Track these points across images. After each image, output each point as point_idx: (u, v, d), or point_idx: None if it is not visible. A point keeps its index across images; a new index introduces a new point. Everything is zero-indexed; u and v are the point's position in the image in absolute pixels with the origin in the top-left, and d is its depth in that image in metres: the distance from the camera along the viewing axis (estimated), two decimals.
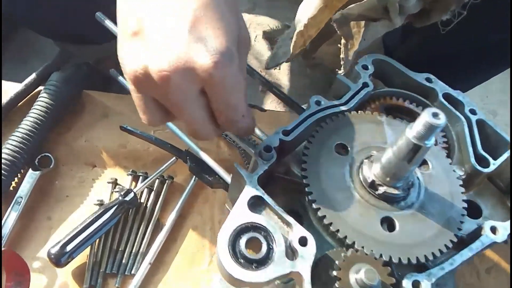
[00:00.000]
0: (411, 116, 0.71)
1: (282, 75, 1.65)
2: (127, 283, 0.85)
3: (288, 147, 0.63)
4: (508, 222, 0.58)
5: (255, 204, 0.56)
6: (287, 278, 0.52)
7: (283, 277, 0.50)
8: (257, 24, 1.73)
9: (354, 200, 0.56)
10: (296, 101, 0.85)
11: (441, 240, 0.54)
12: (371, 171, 0.56)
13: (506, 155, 0.65)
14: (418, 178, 0.58)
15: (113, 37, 1.13)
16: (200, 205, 0.97)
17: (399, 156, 0.51)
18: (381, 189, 0.55)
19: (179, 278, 0.88)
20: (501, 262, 0.98)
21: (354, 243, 0.52)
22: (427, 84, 0.71)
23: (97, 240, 0.87)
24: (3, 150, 0.86)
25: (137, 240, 0.90)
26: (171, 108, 0.54)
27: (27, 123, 0.89)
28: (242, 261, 0.51)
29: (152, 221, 0.92)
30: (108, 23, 0.79)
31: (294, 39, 1.01)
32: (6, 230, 0.85)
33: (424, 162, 0.59)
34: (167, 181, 0.96)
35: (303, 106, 0.96)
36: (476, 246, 0.56)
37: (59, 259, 0.80)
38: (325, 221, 0.53)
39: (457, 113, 0.68)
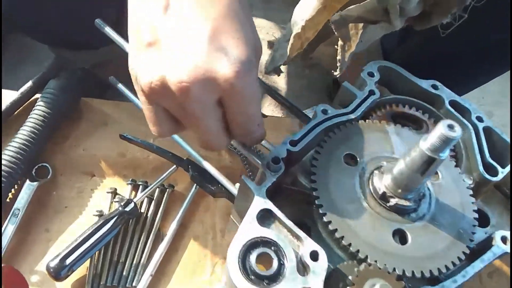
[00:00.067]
0: (417, 124, 0.70)
1: (279, 78, 1.64)
2: None
3: (296, 157, 0.62)
4: None
5: (264, 217, 0.55)
6: None
7: None
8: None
9: (365, 212, 0.55)
10: (298, 107, 0.84)
11: (453, 252, 0.53)
12: (382, 183, 0.55)
13: None
14: (428, 189, 0.57)
15: (109, 42, 1.11)
16: (201, 214, 0.95)
17: (412, 168, 0.50)
18: (393, 201, 0.54)
19: None
20: (502, 267, 0.98)
21: (366, 257, 0.51)
22: (433, 91, 0.70)
23: (97, 252, 0.85)
24: None
25: (137, 251, 0.88)
26: (186, 119, 0.53)
27: (24, 133, 0.87)
28: (252, 277, 0.50)
29: (152, 232, 0.90)
30: (108, 30, 0.77)
31: (291, 41, 1.00)
32: (3, 244, 0.83)
33: (434, 172, 0.58)
34: (167, 190, 0.94)
35: (305, 112, 0.95)
36: (488, 257, 0.55)
37: (59, 272, 0.79)
38: (337, 235, 0.52)
39: (464, 120, 0.68)
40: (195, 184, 0.95)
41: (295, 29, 0.95)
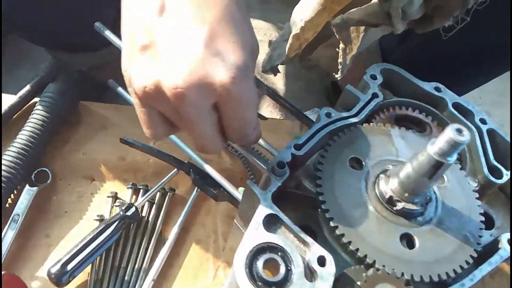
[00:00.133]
0: (421, 126, 0.70)
1: (277, 79, 1.64)
2: None
3: (300, 161, 0.62)
4: None
5: (270, 222, 0.54)
6: None
7: None
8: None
9: (372, 216, 0.54)
10: (299, 109, 0.84)
11: (461, 255, 0.53)
12: (388, 186, 0.54)
13: None
14: (434, 193, 0.56)
15: (106, 45, 1.11)
16: (202, 217, 0.95)
17: (419, 172, 0.50)
18: (400, 205, 0.53)
19: None
20: (504, 267, 0.98)
21: (374, 262, 0.51)
22: (436, 93, 0.70)
23: (98, 257, 0.85)
24: None
25: (139, 256, 0.87)
26: (180, 123, 0.53)
27: (22, 137, 0.86)
28: (260, 283, 0.49)
29: (154, 236, 0.89)
30: (108, 33, 0.76)
31: (289, 41, 0.99)
32: (3, 250, 0.82)
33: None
34: (168, 193, 0.93)
35: (306, 113, 0.95)
36: (495, 260, 0.55)
37: (60, 278, 0.78)
38: (344, 240, 0.52)
39: (468, 123, 0.67)
40: (196, 188, 0.94)
41: (294, 30, 0.95)
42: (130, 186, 0.93)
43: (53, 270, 0.78)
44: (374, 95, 0.68)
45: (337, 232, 0.52)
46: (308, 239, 0.52)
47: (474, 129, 0.67)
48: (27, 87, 0.94)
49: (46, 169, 0.90)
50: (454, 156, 0.47)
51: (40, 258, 0.86)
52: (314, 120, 0.81)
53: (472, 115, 0.69)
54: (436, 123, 0.69)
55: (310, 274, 0.51)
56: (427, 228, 0.54)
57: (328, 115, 0.65)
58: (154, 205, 0.92)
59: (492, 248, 0.58)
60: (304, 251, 0.53)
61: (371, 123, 0.65)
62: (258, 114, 1.07)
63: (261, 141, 0.74)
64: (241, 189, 0.73)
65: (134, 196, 0.94)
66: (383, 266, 0.50)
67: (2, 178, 0.82)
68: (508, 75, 1.18)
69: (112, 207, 0.91)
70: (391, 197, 0.54)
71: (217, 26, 0.48)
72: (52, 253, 0.87)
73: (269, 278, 0.49)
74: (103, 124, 0.98)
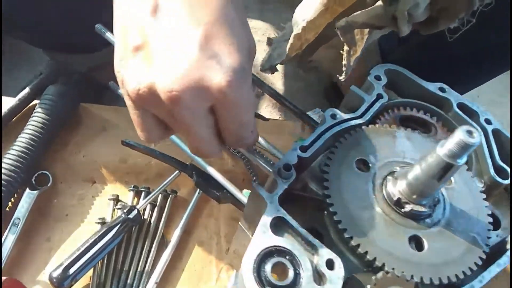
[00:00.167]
0: (425, 127, 0.69)
1: (276, 79, 1.64)
2: None
3: (306, 163, 0.61)
4: None
5: (277, 225, 0.54)
6: None
7: None
8: (251, 28, 1.71)
9: (380, 218, 0.54)
10: (303, 110, 0.83)
11: (470, 257, 0.52)
12: (396, 188, 0.54)
13: None
14: (442, 194, 0.56)
15: (105, 46, 1.09)
16: (205, 219, 0.94)
17: (428, 173, 0.49)
18: (408, 207, 0.53)
19: None
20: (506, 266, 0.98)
21: (384, 264, 0.50)
22: (441, 94, 0.70)
23: (100, 261, 0.84)
24: None
25: (141, 259, 0.87)
26: (175, 126, 0.51)
27: (22, 140, 0.85)
28: None
29: (156, 238, 0.89)
30: (108, 35, 0.76)
31: (290, 41, 0.99)
32: (4, 254, 0.81)
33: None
34: (170, 195, 0.93)
35: (309, 113, 0.94)
36: (503, 261, 0.55)
37: (62, 282, 0.77)
38: (353, 243, 0.52)
39: (473, 123, 0.67)
40: (198, 189, 0.94)
41: (296, 30, 0.94)
42: (131, 188, 0.92)
43: (55, 274, 0.77)
44: (379, 96, 0.68)
45: (346, 235, 0.52)
46: (316, 242, 0.52)
47: (480, 130, 0.66)
48: (27, 89, 0.93)
49: (47, 172, 0.90)
50: (464, 158, 0.47)
51: (41, 262, 0.85)
52: (316, 120, 0.81)
53: (477, 116, 0.68)
54: (441, 123, 0.69)
55: (318, 277, 0.51)
56: (435, 230, 0.54)
57: (333, 116, 0.64)
58: (156, 208, 0.91)
59: (499, 248, 0.58)
60: (312, 254, 0.52)
61: (377, 124, 0.64)
62: (259, 115, 1.08)
63: (263, 143, 0.73)
64: (246, 191, 0.72)
65: (135, 199, 0.93)
66: (393, 269, 0.50)
67: (2, 182, 0.82)
68: (505, 74, 1.18)
69: (113, 210, 0.90)
70: (399, 199, 0.53)
71: (212, 28, 0.46)
72: (53, 257, 0.86)
73: (278, 282, 0.49)
74: (103, 126, 0.97)
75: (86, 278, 0.82)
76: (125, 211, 0.85)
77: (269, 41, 1.41)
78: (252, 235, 0.65)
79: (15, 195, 0.86)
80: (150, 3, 0.48)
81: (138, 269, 0.86)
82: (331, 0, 0.81)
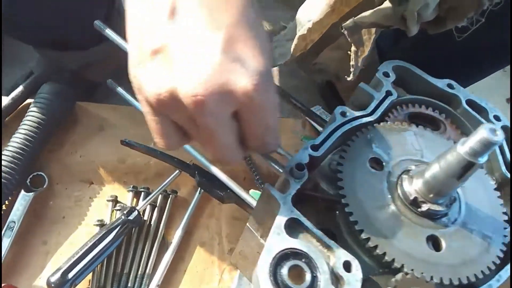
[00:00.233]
0: (434, 124, 0.69)
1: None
2: None
3: (316, 162, 0.60)
4: None
5: (290, 227, 0.52)
6: None
7: None
8: None
9: (397, 218, 0.53)
10: (310, 108, 0.82)
11: (487, 256, 0.52)
12: (412, 187, 0.53)
13: None
14: (457, 192, 0.55)
15: (97, 43, 1.06)
16: (206, 220, 0.92)
17: (448, 172, 0.48)
18: (425, 206, 0.52)
19: None
20: None
21: (403, 266, 0.49)
22: (450, 90, 0.69)
23: (99, 264, 0.81)
24: None
25: (142, 261, 0.85)
26: (195, 133, 0.49)
27: (17, 140, 0.82)
28: None
29: (157, 240, 0.87)
30: (108, 32, 0.73)
31: (295, 42, 0.98)
32: None
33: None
34: (170, 196, 0.91)
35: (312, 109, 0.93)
36: None
37: (60, 287, 0.75)
38: (370, 244, 0.50)
39: (482, 120, 0.67)
40: (199, 189, 0.92)
41: (301, 31, 0.93)
42: (131, 189, 0.90)
43: (53, 279, 0.75)
44: (388, 93, 0.66)
45: (363, 236, 0.51)
46: (332, 243, 0.51)
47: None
48: (20, 88, 0.89)
49: (42, 173, 0.87)
50: (486, 157, 0.46)
51: (38, 267, 0.82)
52: (323, 118, 0.80)
53: (486, 112, 0.68)
54: (449, 120, 0.68)
55: (335, 280, 0.49)
56: (452, 229, 0.53)
57: (343, 114, 0.63)
58: (156, 208, 0.89)
59: None
60: (327, 256, 0.51)
61: (388, 122, 0.63)
62: None
63: None
64: (252, 191, 0.71)
65: (135, 199, 0.90)
66: (412, 270, 0.49)
67: None
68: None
69: (112, 211, 0.88)
70: (415, 198, 0.52)
71: (234, 30, 0.45)
72: (50, 261, 0.83)
73: (295, 286, 0.47)
74: (100, 125, 0.94)
75: (85, 282, 0.80)
76: (125, 212, 0.82)
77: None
78: (260, 236, 0.63)
79: (10, 198, 0.83)
80: (167, 5, 0.45)
81: (139, 272, 0.84)
82: (338, 1, 0.79)
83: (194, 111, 0.45)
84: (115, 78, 0.80)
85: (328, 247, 0.51)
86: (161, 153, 0.83)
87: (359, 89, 0.68)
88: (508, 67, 1.55)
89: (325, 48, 1.01)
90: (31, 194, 0.84)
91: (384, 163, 0.57)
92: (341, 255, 0.50)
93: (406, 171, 0.56)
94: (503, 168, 0.62)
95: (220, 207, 0.93)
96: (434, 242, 0.52)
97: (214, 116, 0.45)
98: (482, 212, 0.55)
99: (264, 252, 0.49)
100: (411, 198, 0.53)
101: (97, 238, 0.79)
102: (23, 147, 0.82)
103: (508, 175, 0.62)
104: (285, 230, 0.51)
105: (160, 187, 0.88)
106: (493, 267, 0.51)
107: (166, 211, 0.89)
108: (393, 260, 0.49)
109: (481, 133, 0.44)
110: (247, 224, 0.68)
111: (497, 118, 0.67)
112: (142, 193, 0.90)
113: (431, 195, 0.52)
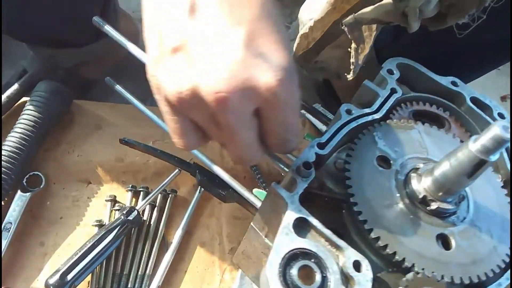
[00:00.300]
0: (438, 122, 0.68)
1: None
2: None
3: (322, 160, 0.59)
4: None
5: (298, 226, 0.52)
6: None
7: None
8: None
9: (406, 217, 0.52)
10: (313, 106, 0.81)
11: (497, 255, 0.51)
12: (421, 185, 0.52)
13: None
14: (465, 191, 0.55)
15: (92, 41, 1.04)
16: (206, 219, 0.91)
17: (459, 170, 0.48)
18: (434, 205, 0.51)
19: None
20: None
21: (413, 265, 0.49)
22: (454, 88, 0.69)
23: (99, 265, 0.80)
24: None
25: (142, 262, 0.83)
26: (215, 132, 0.48)
27: (13, 140, 0.80)
28: None
29: (157, 240, 0.85)
30: (107, 28, 0.71)
31: (297, 41, 0.97)
32: None
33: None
34: (170, 195, 0.89)
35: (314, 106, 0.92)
36: None
37: None
38: (380, 243, 0.50)
39: (487, 117, 0.66)
40: (199, 188, 0.91)
41: (303, 29, 0.93)
42: (129, 188, 0.88)
43: (52, 281, 0.74)
44: (393, 90, 0.66)
45: (372, 235, 0.50)
46: (341, 242, 0.50)
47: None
48: (15, 86, 0.87)
49: (39, 173, 0.85)
50: (497, 155, 0.45)
51: (35, 269, 0.81)
52: (327, 116, 0.79)
53: (490, 110, 0.68)
54: (454, 118, 0.68)
55: (345, 280, 0.49)
56: (461, 227, 0.52)
57: (348, 112, 0.62)
58: (156, 208, 0.88)
59: None
60: (336, 255, 0.50)
61: (394, 120, 0.63)
62: None
63: None
64: (256, 190, 0.69)
65: (134, 199, 0.89)
66: (423, 269, 0.48)
67: None
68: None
69: (111, 211, 0.87)
70: (425, 196, 0.52)
71: (256, 25, 0.44)
72: (48, 262, 0.82)
73: (306, 286, 0.47)
74: (98, 124, 0.93)
75: (84, 284, 0.79)
76: (124, 212, 0.81)
77: None
78: (265, 236, 0.63)
79: (6, 198, 0.82)
80: (186, 3, 0.44)
81: (139, 273, 0.82)
82: None
83: (216, 109, 0.44)
84: (112, 75, 0.79)
85: (337, 247, 0.50)
86: (161, 152, 0.82)
87: (364, 86, 0.67)
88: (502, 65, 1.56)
89: (327, 46, 1.00)
90: (27, 194, 0.82)
91: (391, 161, 0.57)
92: (351, 254, 0.49)
93: (415, 169, 0.55)
94: (509, 165, 0.62)
95: (220, 207, 0.92)
96: (443, 241, 0.52)
97: (236, 113, 0.44)
98: (490, 210, 0.55)
99: (273, 252, 0.48)
100: (420, 196, 0.52)
101: (96, 239, 0.78)
102: (19, 146, 0.80)
103: None
104: (293, 229, 0.50)
105: (159, 187, 0.87)
106: (502, 265, 0.51)
107: (165, 210, 0.88)
108: (404, 259, 0.49)
109: (494, 130, 0.43)
110: (251, 223, 0.67)
111: (501, 115, 0.67)
112: (141, 192, 0.89)
113: (440, 194, 0.51)
